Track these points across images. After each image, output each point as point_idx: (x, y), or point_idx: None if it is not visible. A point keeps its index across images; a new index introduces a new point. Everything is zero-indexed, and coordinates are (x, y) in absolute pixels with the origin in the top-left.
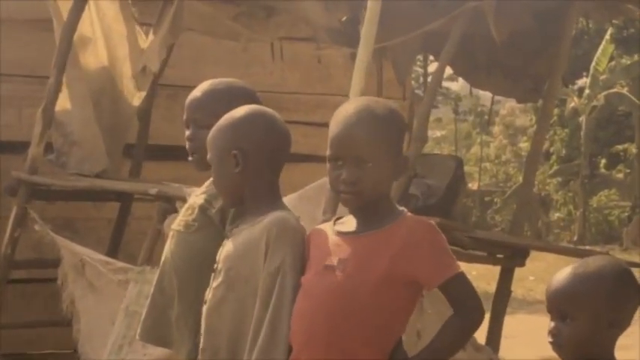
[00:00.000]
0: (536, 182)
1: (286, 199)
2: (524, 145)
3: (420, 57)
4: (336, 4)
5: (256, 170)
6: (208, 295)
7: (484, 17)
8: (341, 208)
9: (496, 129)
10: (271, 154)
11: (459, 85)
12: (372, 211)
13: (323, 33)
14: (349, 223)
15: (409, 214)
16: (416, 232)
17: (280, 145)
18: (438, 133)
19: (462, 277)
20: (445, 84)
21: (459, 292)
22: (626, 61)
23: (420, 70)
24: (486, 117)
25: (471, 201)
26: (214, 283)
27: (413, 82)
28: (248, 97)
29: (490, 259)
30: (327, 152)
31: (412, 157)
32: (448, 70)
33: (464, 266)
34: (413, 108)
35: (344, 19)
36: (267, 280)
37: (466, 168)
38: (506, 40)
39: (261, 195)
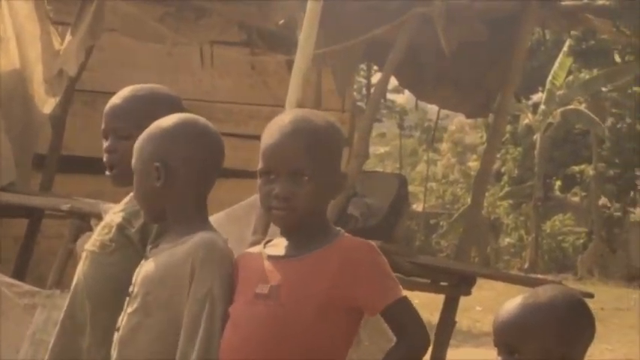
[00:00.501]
0: (485, 204)
1: (213, 219)
2: (473, 164)
3: (363, 66)
4: (272, 6)
5: (181, 185)
6: (122, 321)
7: (432, 25)
8: (273, 229)
9: (444, 146)
10: (201, 169)
11: (404, 98)
12: (305, 231)
13: (257, 37)
14: (280, 245)
15: (346, 234)
16: (354, 254)
17: (212, 160)
18: (382, 150)
19: (405, 301)
20: (390, 96)
21: (403, 317)
22: (584, 75)
23: (364, 81)
24: (433, 133)
25: (415, 223)
26: (129, 309)
27: (355, 93)
28: (173, 105)
29: (433, 287)
30: (259, 165)
31: (352, 175)
32: (394, 82)
33: (408, 295)
34: (354, 121)
35: (281, 22)
36: (193, 309)
37: (411, 188)
38: (455, 50)
39: (186, 213)
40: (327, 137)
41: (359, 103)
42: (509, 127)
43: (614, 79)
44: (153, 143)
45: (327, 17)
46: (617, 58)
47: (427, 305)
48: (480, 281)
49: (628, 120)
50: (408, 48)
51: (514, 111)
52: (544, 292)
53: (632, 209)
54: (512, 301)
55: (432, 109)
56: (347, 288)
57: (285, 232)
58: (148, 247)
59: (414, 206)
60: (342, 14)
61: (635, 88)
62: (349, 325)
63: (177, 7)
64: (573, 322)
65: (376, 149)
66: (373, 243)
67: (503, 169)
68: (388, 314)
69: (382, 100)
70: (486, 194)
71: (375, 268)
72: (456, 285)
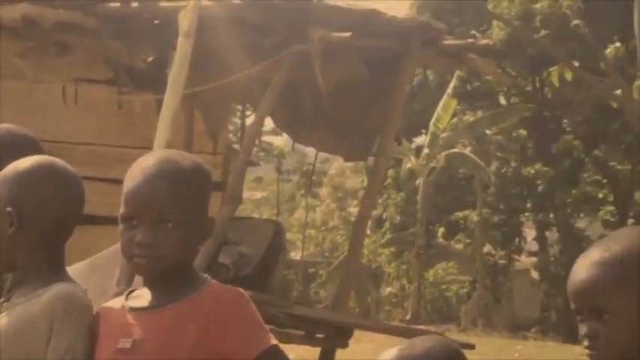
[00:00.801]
0: (366, 252)
1: (73, 269)
2: (354, 209)
3: (239, 107)
4: (140, 43)
5: (36, 233)
6: None
7: (310, 63)
8: (138, 279)
9: (323, 191)
10: (58, 216)
11: (283, 140)
12: (170, 281)
13: (125, 75)
14: (144, 296)
15: (214, 281)
16: (222, 302)
17: (70, 205)
18: (258, 195)
19: (276, 349)
20: (267, 138)
21: None
22: (469, 117)
23: (240, 122)
24: (314, 177)
25: (292, 273)
26: None
27: (231, 135)
28: (31, 146)
29: (309, 339)
30: (121, 210)
31: (224, 221)
32: (272, 123)
33: (282, 349)
34: (228, 164)
35: (150, 59)
36: None
37: (289, 235)
38: (334, 90)
39: (41, 263)
40: (193, 180)
41: (235, 146)
42: (391, 172)
43: (499, 121)
44: (6, 187)
45: (200, 55)
46: (503, 100)
47: (304, 359)
48: (359, 333)
49: (513, 164)
50: (285, 87)
51: (396, 154)
52: (421, 344)
53: (517, 257)
54: (387, 352)
55: (312, 151)
56: (214, 339)
57: (148, 282)
58: (0, 302)
59: (292, 254)
60: (214, 52)
61: (521, 131)
62: None
63: (38, 42)
64: None
65: (252, 194)
66: (241, 290)
67: (384, 215)
68: None
69: (258, 143)
70: (367, 241)
71: (243, 316)
72: (332, 337)
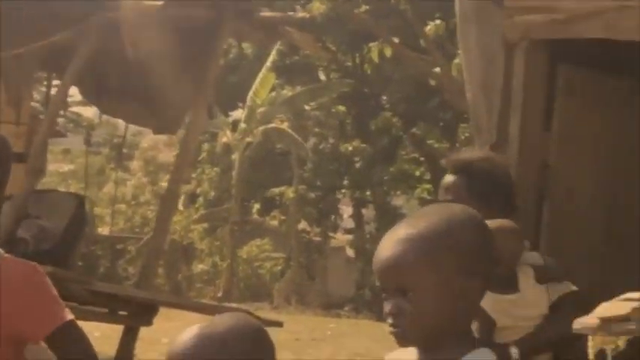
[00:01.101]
0: (178, 228)
1: None
2: (166, 184)
3: (45, 75)
4: None
5: None
6: None
7: (119, 32)
8: None
9: (135, 164)
10: None
11: (92, 111)
12: None
13: None
14: None
15: (7, 255)
16: (14, 277)
17: None
18: (66, 167)
19: (71, 326)
20: (76, 109)
21: (68, 343)
22: (287, 92)
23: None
24: (125, 150)
25: (100, 248)
26: None
27: (39, 104)
28: None
29: (111, 317)
30: None
31: (24, 194)
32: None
33: (86, 326)
34: (32, 135)
35: None
36: None
37: (97, 210)
38: (143, 61)
39: None
40: None
41: (41, 116)
42: (206, 146)
43: (318, 97)
44: None
45: (3, 20)
46: (322, 76)
47: (110, 337)
48: (169, 312)
49: (331, 140)
50: (92, 56)
51: (212, 128)
52: (222, 322)
53: (332, 234)
54: (188, 331)
55: (123, 123)
56: (5, 316)
57: None
58: None
59: (100, 230)
60: (18, 17)
61: (340, 107)
62: (10, 356)
63: None
64: (252, 353)
65: (60, 167)
66: (35, 264)
67: (198, 191)
68: (52, 341)
69: (64, 113)
70: (179, 217)
71: (36, 292)
72: (136, 314)
